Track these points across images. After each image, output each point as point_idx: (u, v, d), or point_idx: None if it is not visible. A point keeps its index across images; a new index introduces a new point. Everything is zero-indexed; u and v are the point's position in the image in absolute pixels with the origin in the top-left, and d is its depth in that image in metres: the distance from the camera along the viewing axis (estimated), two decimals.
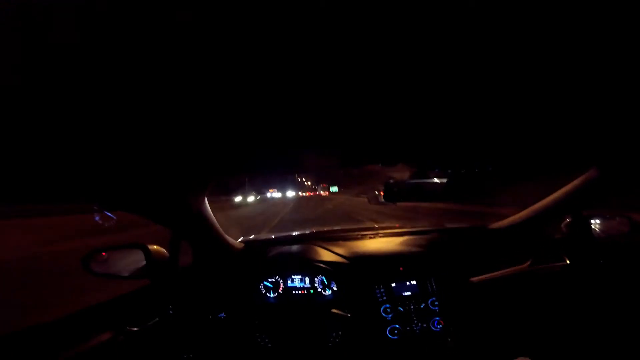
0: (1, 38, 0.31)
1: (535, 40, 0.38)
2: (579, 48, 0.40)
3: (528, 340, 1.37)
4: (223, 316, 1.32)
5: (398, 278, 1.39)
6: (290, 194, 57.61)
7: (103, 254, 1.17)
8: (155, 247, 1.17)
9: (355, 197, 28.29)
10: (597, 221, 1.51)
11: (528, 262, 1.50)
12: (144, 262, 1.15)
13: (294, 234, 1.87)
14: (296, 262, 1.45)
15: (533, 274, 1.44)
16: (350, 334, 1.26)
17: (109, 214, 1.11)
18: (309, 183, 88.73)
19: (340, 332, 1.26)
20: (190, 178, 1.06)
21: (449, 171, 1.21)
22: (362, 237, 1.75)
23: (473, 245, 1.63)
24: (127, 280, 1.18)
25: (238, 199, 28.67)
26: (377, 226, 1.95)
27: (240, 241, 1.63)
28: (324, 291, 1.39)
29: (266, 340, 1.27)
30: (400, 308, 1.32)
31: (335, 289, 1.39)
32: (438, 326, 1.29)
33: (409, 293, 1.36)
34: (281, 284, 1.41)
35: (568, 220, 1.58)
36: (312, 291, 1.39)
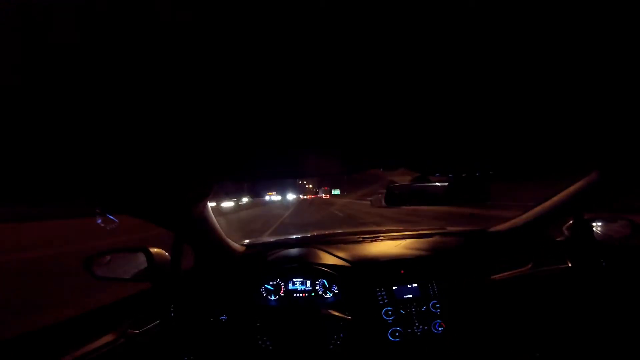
0: (1, 38, 0.32)
1: (536, 44, 0.39)
2: (580, 50, 0.41)
3: (530, 342, 1.36)
4: (224, 319, 1.32)
5: (399, 281, 1.39)
6: (291, 197, 55.75)
7: (106, 257, 1.18)
8: (157, 250, 1.18)
9: (357, 201, 27.81)
10: (599, 224, 1.51)
11: (530, 265, 1.50)
12: (145, 265, 1.16)
13: (295, 237, 1.88)
14: (297, 265, 1.45)
15: (535, 277, 1.44)
16: (351, 336, 1.26)
17: (111, 217, 1.11)
18: (310, 186, 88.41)
19: (341, 335, 1.26)
20: (193, 182, 1.06)
21: (450, 175, 1.21)
22: (363, 241, 1.75)
23: (474, 248, 1.62)
24: (129, 283, 1.19)
25: (227, 204, 23.81)
26: (378, 229, 1.95)
27: (241, 244, 1.63)
28: (325, 294, 1.39)
29: (267, 343, 1.26)
30: (401, 311, 1.32)
31: (336, 291, 1.39)
32: (439, 329, 1.29)
33: (410, 296, 1.36)
34: (282, 287, 1.41)
35: (570, 222, 1.57)
36: (313, 294, 1.39)
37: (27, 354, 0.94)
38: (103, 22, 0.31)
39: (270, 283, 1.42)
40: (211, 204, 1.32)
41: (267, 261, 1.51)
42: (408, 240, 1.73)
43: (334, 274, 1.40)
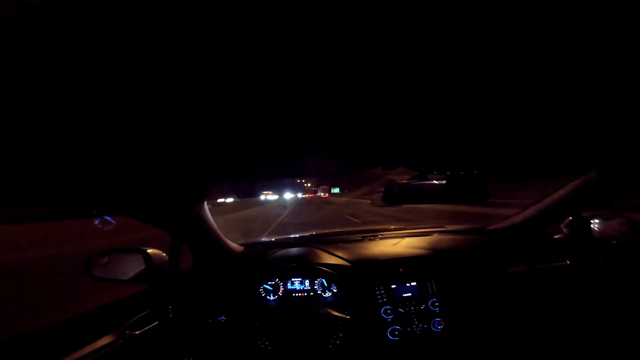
0: (1, 38, 0.31)
1: (534, 43, 0.38)
2: (577, 50, 0.40)
3: (529, 340, 1.36)
4: (223, 319, 1.31)
5: (398, 280, 1.39)
6: (289, 196, 52.83)
7: (104, 258, 1.17)
8: (154, 251, 1.18)
9: (357, 200, 27.63)
10: (597, 221, 1.51)
11: (528, 263, 1.50)
12: (144, 267, 1.16)
13: (293, 236, 1.88)
14: (296, 265, 1.45)
15: (533, 274, 1.44)
16: (350, 336, 1.26)
17: (109, 218, 1.11)
18: (309, 185, 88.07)
19: (340, 335, 1.26)
20: (191, 183, 1.06)
21: (448, 173, 1.21)
22: (362, 240, 1.75)
23: (473, 246, 1.63)
24: (127, 284, 1.18)
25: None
26: (376, 228, 1.95)
27: (240, 244, 1.63)
28: (324, 293, 1.39)
29: (267, 343, 1.26)
30: (400, 309, 1.32)
31: (335, 291, 1.39)
32: (439, 327, 1.29)
33: (409, 294, 1.36)
34: (281, 286, 1.41)
35: (568, 220, 1.58)
36: (312, 294, 1.39)
37: (23, 356, 0.94)
38: (102, 22, 0.31)
39: (269, 283, 1.41)
40: None
41: (266, 261, 1.51)
42: (407, 239, 1.73)
43: (333, 273, 1.40)
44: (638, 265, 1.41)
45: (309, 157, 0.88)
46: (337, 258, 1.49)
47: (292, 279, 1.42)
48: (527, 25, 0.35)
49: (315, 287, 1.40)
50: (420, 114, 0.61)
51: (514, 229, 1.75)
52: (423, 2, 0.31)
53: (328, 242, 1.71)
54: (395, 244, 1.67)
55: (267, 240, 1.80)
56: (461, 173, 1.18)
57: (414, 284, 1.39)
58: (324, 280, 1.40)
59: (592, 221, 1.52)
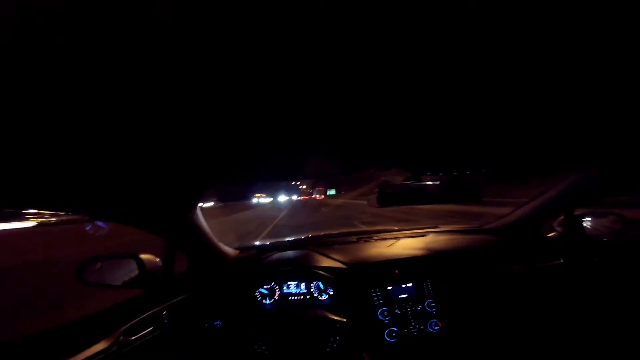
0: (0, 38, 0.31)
1: (531, 43, 0.38)
2: (575, 49, 0.40)
3: (525, 338, 1.37)
4: (219, 324, 1.30)
5: (394, 281, 1.39)
6: (283, 199, 51.17)
7: (97, 263, 1.16)
8: (148, 256, 1.16)
9: (353, 201, 27.44)
10: (590, 219, 1.53)
11: (523, 261, 1.51)
12: (137, 272, 1.14)
13: (289, 239, 1.87)
14: (292, 268, 1.44)
15: (527, 273, 1.45)
16: (347, 338, 1.26)
17: (101, 223, 1.09)
18: (304, 187, 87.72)
19: (337, 337, 1.25)
20: (183, 188, 1.05)
21: (441, 174, 1.21)
22: (357, 241, 1.75)
23: (468, 245, 1.63)
24: (120, 289, 1.17)
25: None
26: (372, 229, 1.95)
27: (235, 248, 1.62)
28: (321, 296, 1.38)
29: (263, 347, 1.25)
30: (397, 311, 1.32)
31: (331, 293, 1.38)
32: (436, 327, 1.29)
33: (405, 295, 1.36)
34: (277, 290, 1.40)
35: (560, 218, 1.59)
36: (308, 297, 1.38)
37: None
38: (101, 22, 0.30)
39: (265, 287, 1.41)
40: None
41: (262, 264, 1.50)
42: (402, 240, 1.73)
43: (329, 276, 1.40)
44: (631, 262, 1.43)
45: (305, 157, 0.88)
46: (333, 260, 1.49)
47: (288, 282, 1.41)
48: (523, 22, 0.35)
49: (312, 290, 1.39)
50: (416, 113, 0.61)
51: (509, 227, 1.76)
52: (416, 4, 0.31)
53: (323, 244, 1.70)
54: (391, 245, 1.68)
55: (263, 244, 1.79)
56: (454, 174, 1.19)
57: (410, 285, 1.39)
58: (320, 283, 1.40)
59: (584, 219, 1.53)
